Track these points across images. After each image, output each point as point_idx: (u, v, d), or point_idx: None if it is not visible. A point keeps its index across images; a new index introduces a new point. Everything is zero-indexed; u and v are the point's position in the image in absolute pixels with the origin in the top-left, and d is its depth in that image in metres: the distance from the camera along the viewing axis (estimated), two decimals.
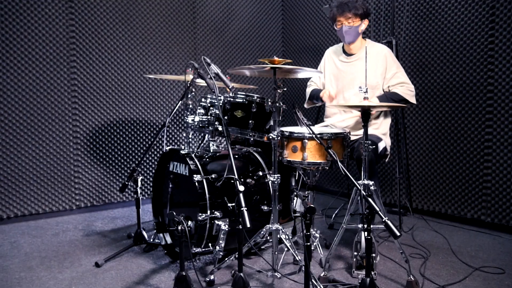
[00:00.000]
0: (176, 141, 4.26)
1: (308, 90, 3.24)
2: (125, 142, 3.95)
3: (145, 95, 4.05)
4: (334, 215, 3.47)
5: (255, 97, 2.49)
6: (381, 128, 3.00)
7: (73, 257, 2.74)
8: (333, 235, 2.46)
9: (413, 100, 2.94)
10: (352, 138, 2.83)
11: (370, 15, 2.94)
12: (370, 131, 2.94)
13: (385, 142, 2.92)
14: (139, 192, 2.86)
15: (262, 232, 2.40)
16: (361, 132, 2.63)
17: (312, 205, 1.81)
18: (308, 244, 1.83)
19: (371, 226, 2.35)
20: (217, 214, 2.41)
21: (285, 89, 2.32)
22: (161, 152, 4.11)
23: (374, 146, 2.56)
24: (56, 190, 3.62)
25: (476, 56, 3.22)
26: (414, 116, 3.65)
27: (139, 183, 2.85)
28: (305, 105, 3.31)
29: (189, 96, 2.83)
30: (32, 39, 3.44)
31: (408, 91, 2.91)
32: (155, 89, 4.11)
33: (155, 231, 2.89)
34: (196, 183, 2.39)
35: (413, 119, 3.66)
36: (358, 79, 2.91)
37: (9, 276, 2.44)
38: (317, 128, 2.71)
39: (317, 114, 3.83)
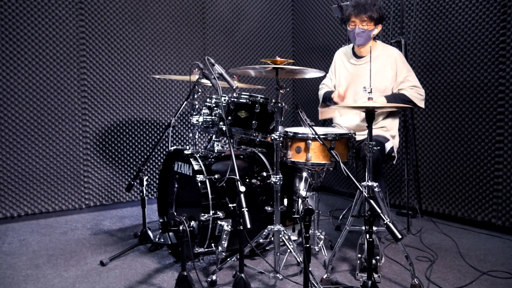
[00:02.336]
0: (185, 141, 4.28)
1: (321, 93, 3.20)
2: (134, 142, 3.99)
3: (154, 96, 4.08)
4: (341, 216, 3.44)
5: (259, 98, 2.49)
6: (390, 130, 2.95)
7: (80, 255, 2.77)
8: (339, 237, 2.43)
9: (421, 104, 2.87)
10: (359, 138, 2.80)
11: (384, 20, 2.89)
12: (379, 132, 2.91)
13: (393, 143, 2.88)
14: (144, 192, 2.88)
15: (264, 233, 2.39)
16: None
17: (310, 207, 1.80)
18: (307, 246, 1.82)
19: (377, 228, 2.34)
20: (220, 214, 2.41)
21: (287, 89, 2.31)
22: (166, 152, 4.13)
23: (379, 147, 2.53)
24: (66, 189, 3.67)
25: (487, 56, 3.16)
26: (424, 117, 3.60)
27: (145, 183, 2.87)
28: (319, 108, 3.25)
29: (195, 96, 2.84)
30: (42, 40, 3.50)
31: (417, 94, 2.85)
32: (164, 89, 4.13)
33: (160, 230, 2.91)
34: (199, 183, 2.40)
35: (423, 120, 3.61)
36: (367, 82, 2.87)
37: (16, 273, 2.48)
38: (322, 129, 2.69)
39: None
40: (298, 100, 4.97)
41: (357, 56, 3.01)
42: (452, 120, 3.40)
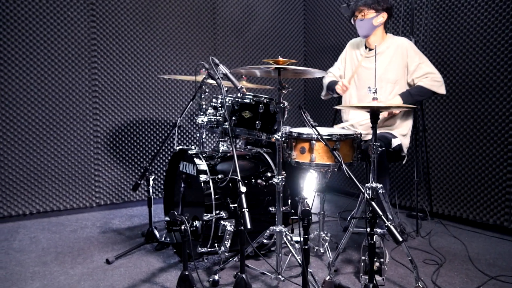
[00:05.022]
0: (194, 141, 4.30)
1: (325, 81, 3.19)
2: (145, 142, 4.02)
3: (164, 96, 4.10)
4: (349, 217, 3.41)
5: (263, 98, 2.48)
6: (400, 129, 2.91)
7: (87, 253, 2.81)
8: (348, 238, 2.40)
9: (441, 90, 2.82)
10: (368, 137, 2.77)
11: (390, 8, 2.87)
12: (386, 129, 2.87)
13: (401, 141, 2.83)
14: (150, 191, 2.91)
15: (266, 234, 2.38)
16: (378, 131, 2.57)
17: (307, 208, 1.78)
18: (306, 247, 1.80)
19: (382, 230, 2.31)
20: (223, 214, 2.41)
21: (290, 89, 2.29)
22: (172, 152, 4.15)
23: (383, 149, 2.50)
24: (77, 187, 3.72)
25: (500, 55, 3.08)
26: (434, 117, 3.54)
27: (151, 182, 2.90)
28: (322, 96, 3.26)
29: (202, 96, 2.85)
30: (54, 41, 3.56)
31: (433, 81, 2.80)
32: (175, 89, 4.16)
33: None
34: (202, 183, 2.40)
35: (434, 120, 3.54)
36: (376, 75, 2.84)
37: (24, 270, 2.53)
38: (327, 129, 2.67)
39: (334, 115, 3.77)
40: (309, 99, 4.94)
41: (367, 48, 3.00)
42: (464, 121, 3.33)
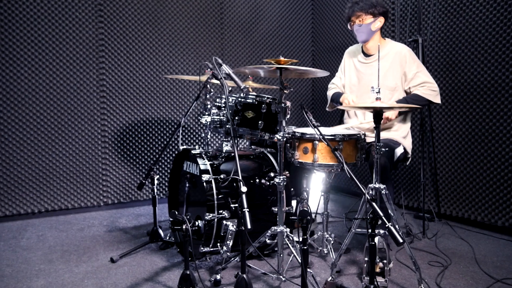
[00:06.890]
0: (200, 141, 4.31)
1: (329, 93, 3.19)
2: (152, 141, 4.05)
3: (171, 96, 4.12)
4: (354, 218, 3.38)
5: (265, 98, 2.47)
6: (400, 131, 2.89)
7: (92, 251, 2.83)
8: (350, 239, 2.39)
9: (437, 100, 2.82)
10: (370, 140, 2.75)
11: (386, 12, 2.85)
12: (389, 134, 2.85)
13: (405, 146, 2.81)
14: (155, 191, 2.93)
15: (267, 234, 2.38)
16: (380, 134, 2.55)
17: (305, 209, 1.78)
18: (305, 248, 1.79)
19: (385, 231, 2.29)
20: (225, 214, 2.42)
21: (292, 89, 2.28)
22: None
23: (387, 149, 2.48)
24: (84, 187, 3.76)
25: (509, 54, 3.03)
26: (442, 117, 3.49)
27: (156, 182, 2.91)
28: (327, 108, 3.25)
29: (207, 96, 2.85)
30: (63, 42, 3.60)
31: (430, 91, 2.79)
32: (182, 89, 4.18)
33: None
34: (204, 183, 2.41)
35: (442, 120, 3.50)
36: (376, 81, 2.83)
37: (30, 267, 2.57)
38: (330, 130, 2.65)
39: (341, 116, 3.74)
40: (317, 99, 4.92)
41: (365, 54, 2.98)
42: (472, 121, 3.28)
